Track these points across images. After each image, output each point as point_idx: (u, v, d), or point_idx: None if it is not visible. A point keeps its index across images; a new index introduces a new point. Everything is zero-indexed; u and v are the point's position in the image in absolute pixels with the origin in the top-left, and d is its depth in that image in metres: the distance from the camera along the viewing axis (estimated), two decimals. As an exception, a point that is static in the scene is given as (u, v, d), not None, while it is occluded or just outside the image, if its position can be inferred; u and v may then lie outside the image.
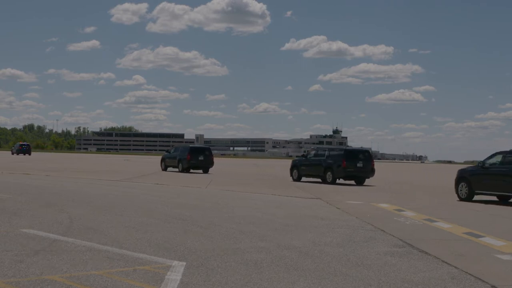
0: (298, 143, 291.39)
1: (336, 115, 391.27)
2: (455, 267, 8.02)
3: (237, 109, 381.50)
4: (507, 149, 19.98)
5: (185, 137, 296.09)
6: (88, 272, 6.93)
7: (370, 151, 30.47)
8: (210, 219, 12.52)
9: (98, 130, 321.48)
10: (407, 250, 9.36)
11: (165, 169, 41.94)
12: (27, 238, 9.21)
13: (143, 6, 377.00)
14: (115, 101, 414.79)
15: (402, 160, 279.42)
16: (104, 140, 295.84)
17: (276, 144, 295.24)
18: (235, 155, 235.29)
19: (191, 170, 40.59)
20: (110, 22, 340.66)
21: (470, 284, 7.07)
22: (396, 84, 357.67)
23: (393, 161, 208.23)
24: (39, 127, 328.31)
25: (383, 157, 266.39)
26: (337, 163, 29.29)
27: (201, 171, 40.93)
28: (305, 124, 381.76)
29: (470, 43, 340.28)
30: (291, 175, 32.65)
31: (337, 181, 30.06)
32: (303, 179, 32.32)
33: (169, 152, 42.69)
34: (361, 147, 24.02)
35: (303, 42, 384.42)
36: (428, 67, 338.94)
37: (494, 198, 20.86)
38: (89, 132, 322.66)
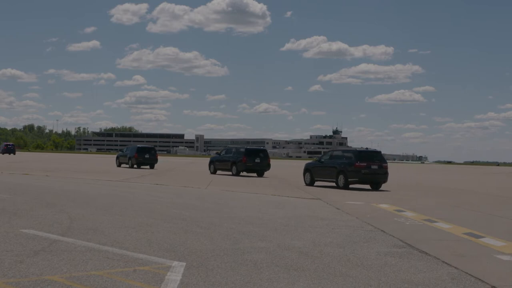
0: (298, 143, 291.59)
1: (336, 115, 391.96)
2: (455, 268, 8.03)
3: (237, 109, 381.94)
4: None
5: (185, 137, 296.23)
6: (88, 272, 6.93)
7: (267, 150, 39.73)
8: (210, 219, 12.53)
9: (98, 130, 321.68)
10: (407, 251, 9.36)
11: (119, 165, 47.95)
12: (27, 238, 9.21)
13: (143, 7, 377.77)
14: (115, 101, 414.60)
15: (402, 160, 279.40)
16: (104, 140, 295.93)
17: (276, 144, 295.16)
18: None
19: (142, 166, 46.33)
20: (110, 22, 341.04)
21: (470, 284, 7.07)
22: (396, 84, 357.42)
23: (393, 161, 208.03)
24: (39, 127, 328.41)
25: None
26: (239, 159, 36.97)
27: (148, 167, 46.60)
28: (305, 125, 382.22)
29: (470, 43, 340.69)
30: (209, 169, 40.36)
31: (241, 174, 37.72)
32: (218, 172, 39.90)
33: (123, 151, 49.03)
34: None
35: (303, 43, 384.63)
36: (428, 67, 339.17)
37: (332, 184, 26.86)
38: (89, 132, 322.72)
